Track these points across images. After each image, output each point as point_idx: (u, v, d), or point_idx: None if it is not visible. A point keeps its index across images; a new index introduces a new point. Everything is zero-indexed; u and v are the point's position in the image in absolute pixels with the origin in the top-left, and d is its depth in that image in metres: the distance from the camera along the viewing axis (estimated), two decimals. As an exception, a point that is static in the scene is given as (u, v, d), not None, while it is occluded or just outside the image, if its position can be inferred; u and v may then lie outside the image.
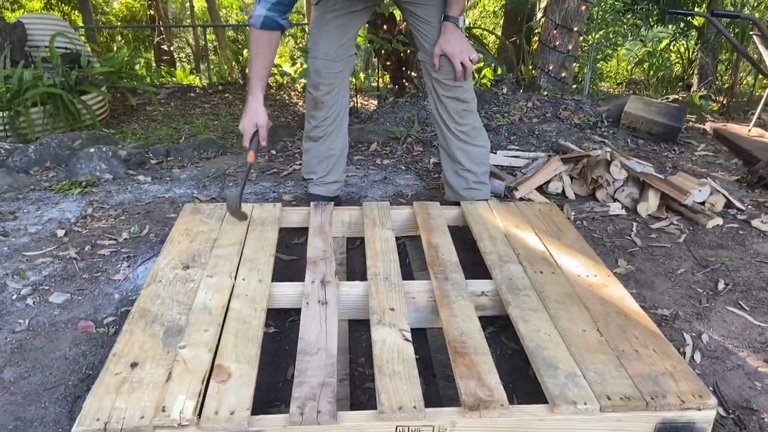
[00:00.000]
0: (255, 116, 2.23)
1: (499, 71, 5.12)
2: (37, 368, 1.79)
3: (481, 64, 5.02)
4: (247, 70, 6.81)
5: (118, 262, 2.37)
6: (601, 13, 4.66)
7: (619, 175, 2.95)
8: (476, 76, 4.94)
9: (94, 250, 2.45)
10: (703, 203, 2.91)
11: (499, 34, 5.67)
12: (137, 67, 6.48)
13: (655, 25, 5.94)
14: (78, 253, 2.42)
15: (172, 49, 9.11)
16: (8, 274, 2.25)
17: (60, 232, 2.58)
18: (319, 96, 2.55)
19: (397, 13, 4.53)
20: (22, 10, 10.88)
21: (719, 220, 2.80)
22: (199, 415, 1.40)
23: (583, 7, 4.56)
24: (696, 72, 6.25)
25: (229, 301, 1.84)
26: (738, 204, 2.94)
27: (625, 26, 5.24)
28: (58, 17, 6.19)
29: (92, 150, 3.32)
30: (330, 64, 2.48)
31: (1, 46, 4.39)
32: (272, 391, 1.72)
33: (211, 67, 7.78)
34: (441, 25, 2.39)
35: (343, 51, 2.50)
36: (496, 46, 6.33)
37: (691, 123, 4.34)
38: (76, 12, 11.27)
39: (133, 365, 1.55)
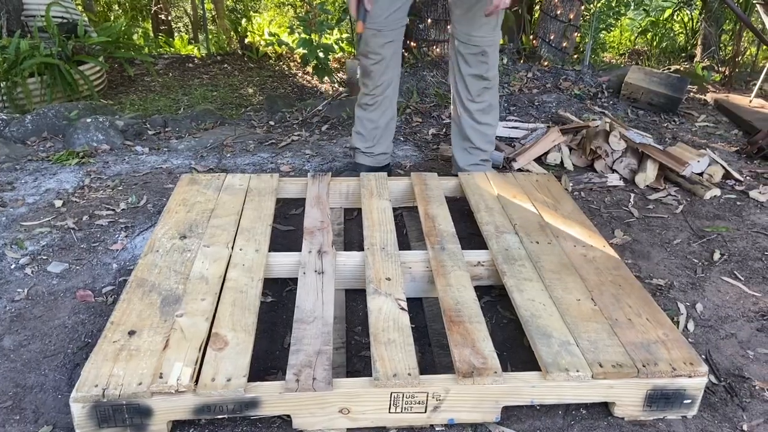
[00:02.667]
0: None
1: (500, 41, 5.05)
2: (36, 336, 1.81)
3: None
4: (247, 40, 6.74)
5: (116, 232, 2.37)
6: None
7: (618, 146, 2.94)
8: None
9: (92, 220, 2.46)
10: (701, 174, 2.91)
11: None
12: (135, 36, 6.40)
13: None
14: (76, 223, 2.42)
15: (169, 18, 8.98)
16: (6, 244, 2.26)
17: (58, 203, 2.58)
18: (368, 65, 2.53)
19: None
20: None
21: (717, 191, 2.79)
22: (196, 381, 1.42)
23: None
24: (699, 42, 6.17)
25: (226, 271, 1.85)
26: (736, 175, 2.93)
27: (627, -5, 5.15)
28: (53, -14, 6.09)
29: (89, 120, 3.31)
30: (377, 34, 2.44)
31: (-3, 16, 4.34)
32: (269, 360, 1.74)
33: (210, 37, 7.68)
34: None
35: (392, 21, 2.43)
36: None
37: (692, 94, 4.31)
38: (72, -19, 11.09)
39: (131, 333, 1.57)
